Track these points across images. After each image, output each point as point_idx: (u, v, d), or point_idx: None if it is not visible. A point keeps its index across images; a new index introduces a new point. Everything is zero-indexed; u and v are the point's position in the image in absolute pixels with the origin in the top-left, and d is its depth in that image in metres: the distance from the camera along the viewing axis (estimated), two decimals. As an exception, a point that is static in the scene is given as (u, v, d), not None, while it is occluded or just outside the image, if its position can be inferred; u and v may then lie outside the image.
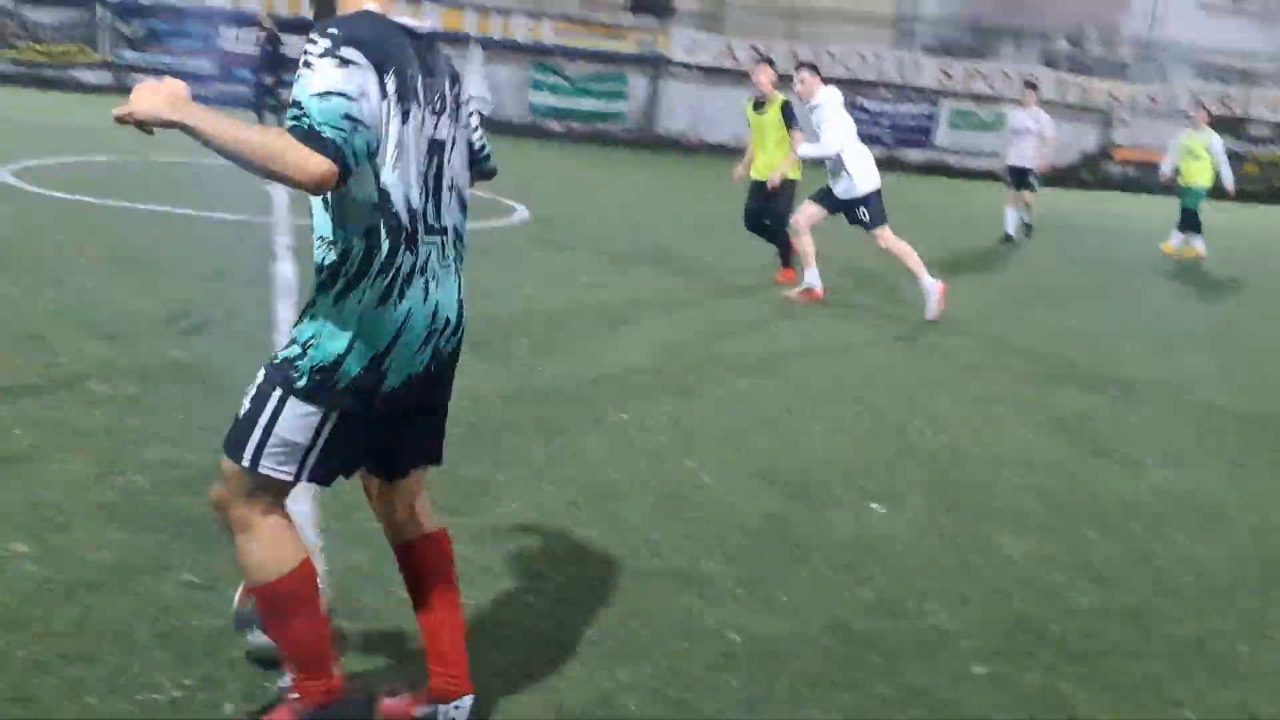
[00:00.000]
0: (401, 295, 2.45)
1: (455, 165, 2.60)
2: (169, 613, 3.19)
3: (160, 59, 23.31)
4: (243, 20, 22.87)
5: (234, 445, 2.47)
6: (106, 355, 5.52)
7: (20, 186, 10.44)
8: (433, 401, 2.67)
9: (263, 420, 2.44)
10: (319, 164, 2.20)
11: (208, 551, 3.53)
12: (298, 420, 2.44)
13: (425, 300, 2.49)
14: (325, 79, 2.25)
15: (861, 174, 8.67)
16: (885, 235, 8.72)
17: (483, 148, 2.81)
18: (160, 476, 4.10)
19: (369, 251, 2.42)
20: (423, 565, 2.76)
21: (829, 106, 8.69)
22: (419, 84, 2.43)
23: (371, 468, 2.69)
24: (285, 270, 7.80)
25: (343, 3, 2.47)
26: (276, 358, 2.47)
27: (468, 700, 2.75)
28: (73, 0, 23.11)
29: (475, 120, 2.76)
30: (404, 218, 2.43)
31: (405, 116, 2.39)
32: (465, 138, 2.67)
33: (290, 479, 2.50)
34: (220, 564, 3.45)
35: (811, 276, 9.08)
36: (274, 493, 2.52)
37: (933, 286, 8.57)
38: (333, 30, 2.30)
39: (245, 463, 2.46)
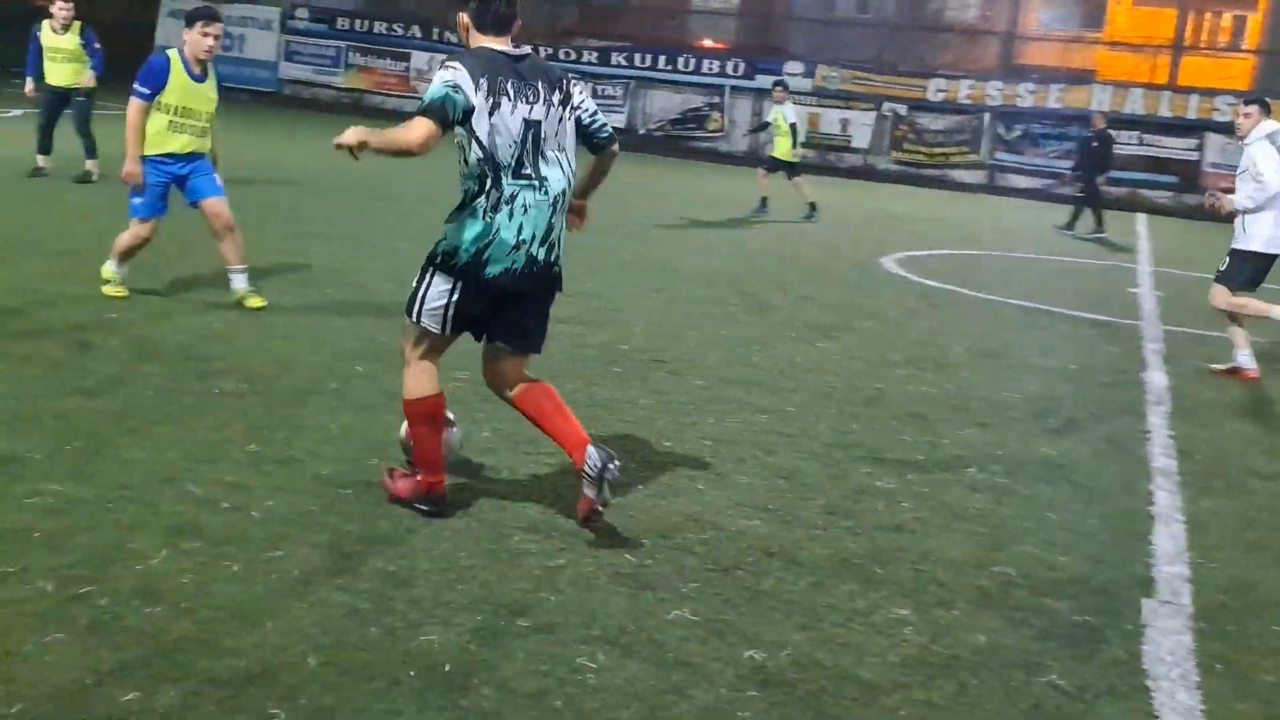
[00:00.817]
0: (495, 214, 3.90)
1: (556, 137, 3.98)
2: (1040, 713, 3.20)
3: (1029, 160, 24.22)
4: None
5: (408, 306, 4.06)
6: (980, 442, 5.79)
7: (901, 274, 11.50)
8: (528, 293, 4.03)
9: (421, 289, 4.01)
10: (422, 126, 3.72)
11: (1081, 660, 3.49)
12: (438, 288, 3.97)
13: (511, 219, 3.90)
14: (437, 80, 3.81)
15: None
16: None
17: (597, 125, 4.15)
18: (1030, 572, 4.16)
19: (475, 188, 3.92)
20: (530, 398, 4.14)
21: None
22: (509, 85, 3.87)
23: (491, 336, 4.13)
24: (1156, 378, 7.53)
25: (470, 43, 4.04)
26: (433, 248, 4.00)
27: (593, 450, 3.94)
28: (963, 108, 25.01)
29: (589, 106, 4.12)
30: (493, 170, 3.88)
31: (496, 108, 3.84)
32: (569, 110, 4.03)
33: (438, 331, 4.02)
34: (1091, 673, 3.39)
35: None
36: (429, 342, 4.08)
37: None
38: (449, 57, 3.94)
39: (411, 318, 4.04)
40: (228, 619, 3.23)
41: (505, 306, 4.04)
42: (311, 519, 3.98)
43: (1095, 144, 17.48)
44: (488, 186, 3.89)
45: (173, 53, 6.73)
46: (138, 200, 6.82)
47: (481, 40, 4.00)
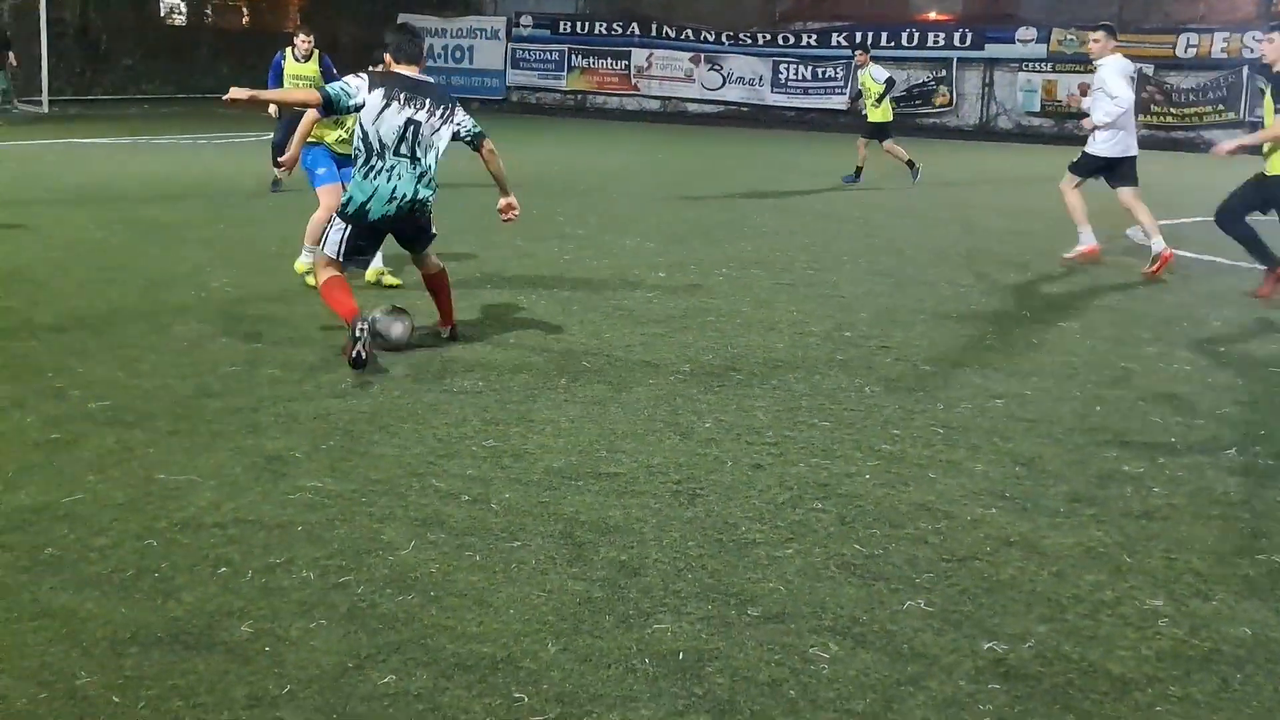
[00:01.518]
0: (375, 179, 5.84)
1: (432, 135, 5.93)
2: None
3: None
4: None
5: (321, 244, 6.12)
6: (1241, 422, 5.39)
7: (1148, 245, 10.81)
8: (403, 229, 6.08)
9: (330, 230, 6.04)
10: (313, 96, 6.06)
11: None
12: (339, 229, 5.98)
13: (388, 183, 5.83)
14: (345, 79, 5.96)
15: None
16: None
17: (466, 133, 6.07)
18: (1302, 560, 3.85)
19: (363, 160, 5.86)
20: (432, 281, 6.33)
21: None
22: (401, 95, 5.83)
23: (402, 246, 6.28)
24: None
25: (386, 66, 6.14)
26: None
27: (448, 330, 6.37)
28: (1217, 63, 23.30)
29: (466, 124, 6.05)
30: (376, 146, 5.81)
31: (387, 107, 5.78)
32: (447, 124, 5.97)
33: (334, 256, 5.99)
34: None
35: None
36: (328, 263, 6.01)
37: None
38: (365, 71, 6.10)
39: (323, 249, 6.06)
40: (472, 606, 3.38)
41: (398, 232, 6.13)
42: (545, 510, 4.12)
43: None
44: (373, 160, 5.89)
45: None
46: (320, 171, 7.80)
47: (396, 68, 6.09)
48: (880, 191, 14.67)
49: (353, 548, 3.75)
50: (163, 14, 31.23)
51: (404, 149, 5.85)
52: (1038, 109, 25.40)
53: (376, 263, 7.56)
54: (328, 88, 5.92)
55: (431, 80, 6.14)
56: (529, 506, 4.14)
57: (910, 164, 15.44)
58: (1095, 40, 9.51)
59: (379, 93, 5.85)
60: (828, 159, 19.39)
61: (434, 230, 6.27)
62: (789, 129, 26.62)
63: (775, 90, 28.11)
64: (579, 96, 30.42)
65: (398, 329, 6.13)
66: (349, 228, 5.98)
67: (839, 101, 26.87)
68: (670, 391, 5.62)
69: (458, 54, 31.08)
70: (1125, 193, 9.45)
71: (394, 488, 4.28)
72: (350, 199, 5.98)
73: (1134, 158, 9.44)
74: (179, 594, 3.40)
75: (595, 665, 3.08)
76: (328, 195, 7.57)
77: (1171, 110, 23.91)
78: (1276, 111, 8.10)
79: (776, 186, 14.93)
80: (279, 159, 8.35)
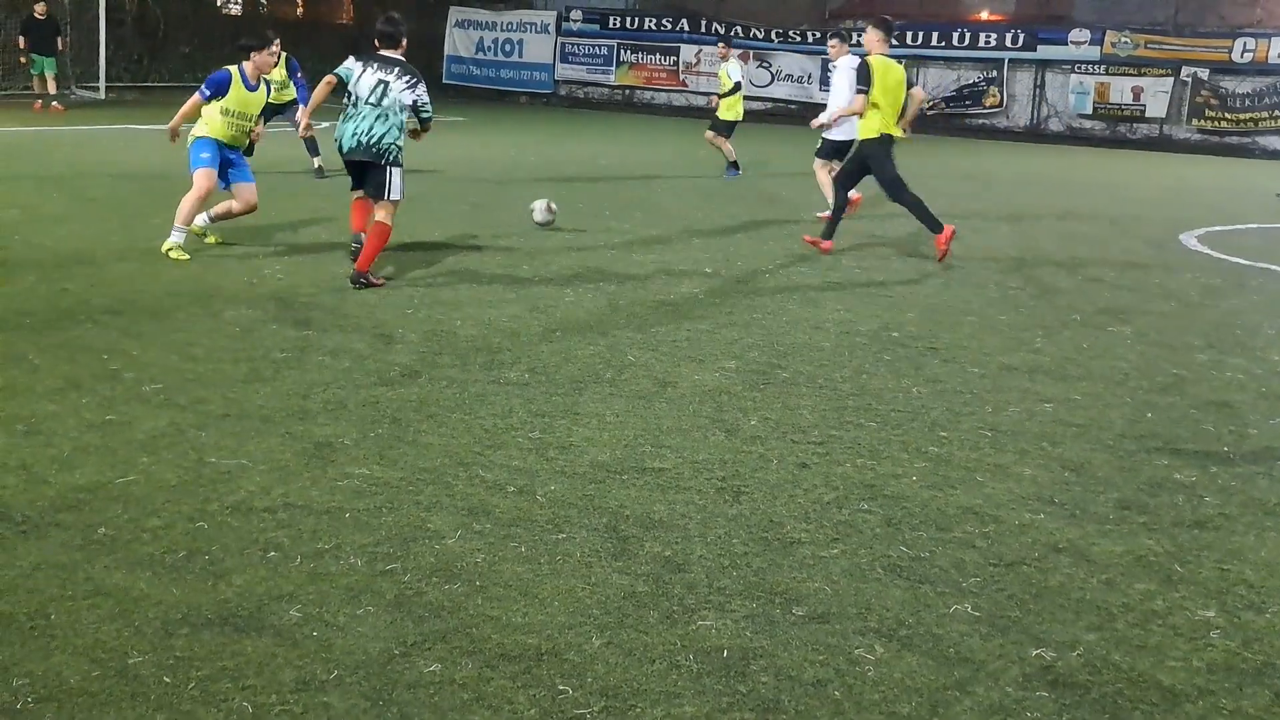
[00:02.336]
0: (348, 122, 7.74)
1: (395, 91, 7.70)
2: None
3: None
4: None
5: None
6: (1296, 433, 5.30)
7: (1203, 251, 10.67)
8: (363, 165, 7.80)
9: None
10: (328, 79, 7.82)
11: None
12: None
13: (356, 124, 7.69)
14: (345, 62, 7.93)
15: None
16: None
17: (421, 108, 7.85)
18: (1359, 575, 3.78)
19: (347, 107, 7.76)
20: (373, 227, 7.70)
21: None
22: (376, 65, 7.75)
23: (366, 192, 8.00)
24: None
25: (373, 49, 7.96)
26: None
27: (356, 273, 7.57)
28: (1274, 69, 22.89)
29: (423, 97, 7.83)
30: (355, 98, 7.71)
31: (364, 72, 7.73)
32: (410, 90, 7.75)
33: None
34: None
35: None
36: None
37: None
38: (353, 55, 8.09)
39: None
40: (517, 597, 3.40)
41: (362, 173, 7.90)
42: (590, 503, 4.13)
43: None
44: (349, 108, 7.77)
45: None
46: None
47: (377, 48, 7.90)
48: (929, 192, 14.55)
49: (400, 535, 3.78)
50: (219, 3, 31.59)
51: (372, 99, 7.73)
52: (1089, 111, 25.06)
53: (201, 220, 8.59)
54: (338, 71, 7.85)
55: (401, 59, 7.92)
56: (574, 499, 4.15)
57: (734, 163, 15.11)
58: (832, 46, 11.52)
59: (360, 65, 7.88)
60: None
61: (395, 195, 7.77)
62: (837, 127, 26.47)
63: (824, 89, 27.94)
64: (627, 91, 30.43)
65: (541, 215, 10.09)
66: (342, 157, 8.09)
67: (888, 100, 26.73)
68: (716, 388, 5.61)
69: (507, 47, 31.15)
70: (829, 165, 11.19)
71: (441, 477, 4.31)
72: (336, 136, 7.94)
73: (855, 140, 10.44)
74: (229, 577, 3.45)
75: (640, 660, 3.09)
76: (202, 179, 8.27)
77: (1226, 115, 23.52)
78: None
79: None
80: (305, 137, 11.18)
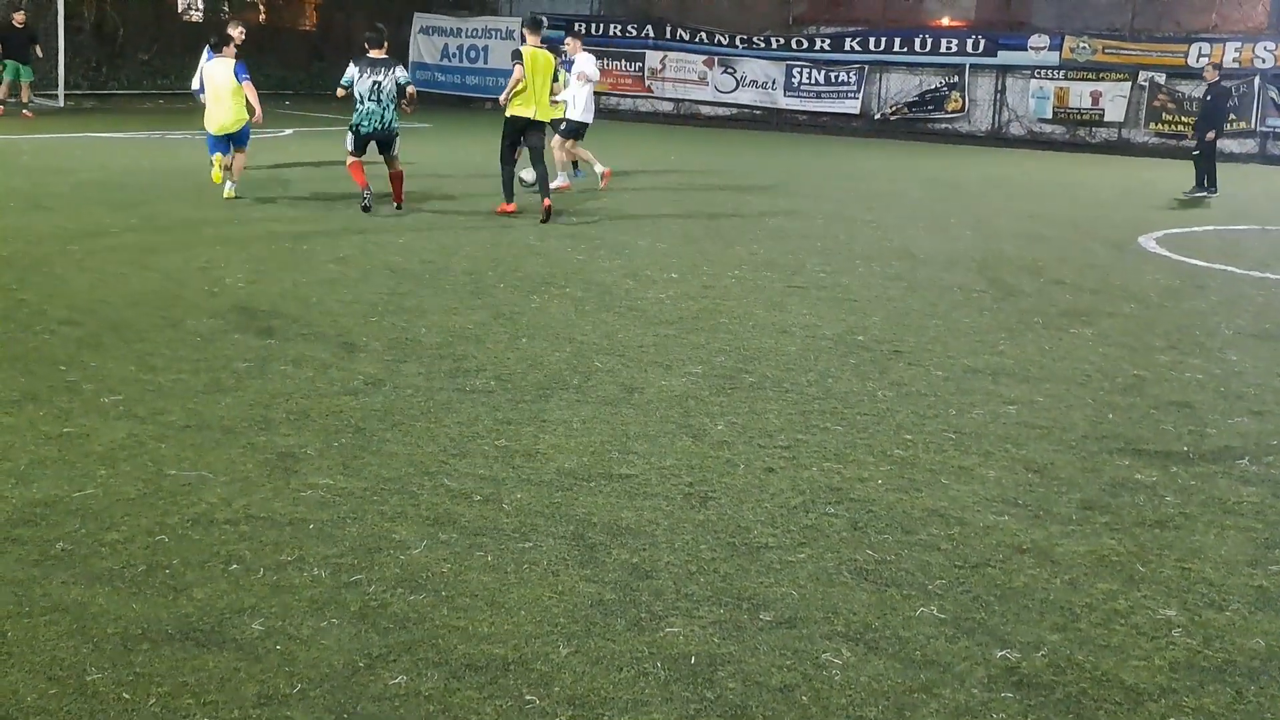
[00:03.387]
0: (360, 116, 11.18)
1: (387, 87, 11.15)
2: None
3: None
4: None
5: (349, 148, 11.58)
6: (1254, 431, 5.37)
7: (1162, 253, 10.79)
8: (380, 140, 11.25)
9: (348, 137, 11.35)
10: (340, 92, 11.55)
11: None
12: (350, 136, 11.31)
13: (369, 113, 11.15)
14: (347, 69, 11.39)
15: None
16: None
17: (402, 80, 11.30)
18: (1317, 572, 3.83)
19: (358, 103, 11.19)
20: (393, 176, 11.44)
21: None
22: (369, 68, 11.12)
23: (380, 152, 11.38)
24: None
25: (363, 51, 11.46)
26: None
27: (397, 204, 11.45)
28: (1229, 73, 23.19)
29: (399, 72, 11.31)
30: (360, 97, 11.15)
31: (362, 75, 11.10)
32: (390, 79, 11.17)
33: (353, 150, 11.35)
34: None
35: None
36: (352, 158, 11.38)
37: None
38: (351, 61, 11.53)
39: (347, 148, 11.43)
40: (484, 607, 3.38)
41: (379, 142, 11.16)
42: (557, 510, 4.11)
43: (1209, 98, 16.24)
44: (358, 105, 11.00)
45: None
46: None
47: (368, 51, 11.11)
48: (893, 196, 14.64)
49: (364, 546, 3.75)
50: (180, 10, 31.28)
51: (372, 96, 11.03)
52: (1049, 115, 25.31)
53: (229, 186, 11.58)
54: (343, 81, 11.22)
55: (386, 57, 11.24)
56: (541, 507, 4.14)
57: (575, 164, 14.28)
58: (566, 44, 14.13)
59: (356, 70, 11.07)
60: (840, 162, 19.37)
61: (397, 152, 11.37)
62: (801, 132, 26.58)
63: (788, 94, 28.03)
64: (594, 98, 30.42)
65: (529, 176, 12.15)
66: (354, 136, 11.17)
67: (851, 106, 26.85)
68: (682, 393, 5.61)
69: (472, 54, 31.06)
70: (568, 144, 13.68)
71: (405, 486, 4.28)
72: (354, 122, 11.16)
73: (589, 123, 13.80)
74: (190, 590, 3.41)
75: (607, 668, 3.08)
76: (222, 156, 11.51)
77: (1183, 119, 23.80)
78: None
79: (789, 189, 14.91)
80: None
